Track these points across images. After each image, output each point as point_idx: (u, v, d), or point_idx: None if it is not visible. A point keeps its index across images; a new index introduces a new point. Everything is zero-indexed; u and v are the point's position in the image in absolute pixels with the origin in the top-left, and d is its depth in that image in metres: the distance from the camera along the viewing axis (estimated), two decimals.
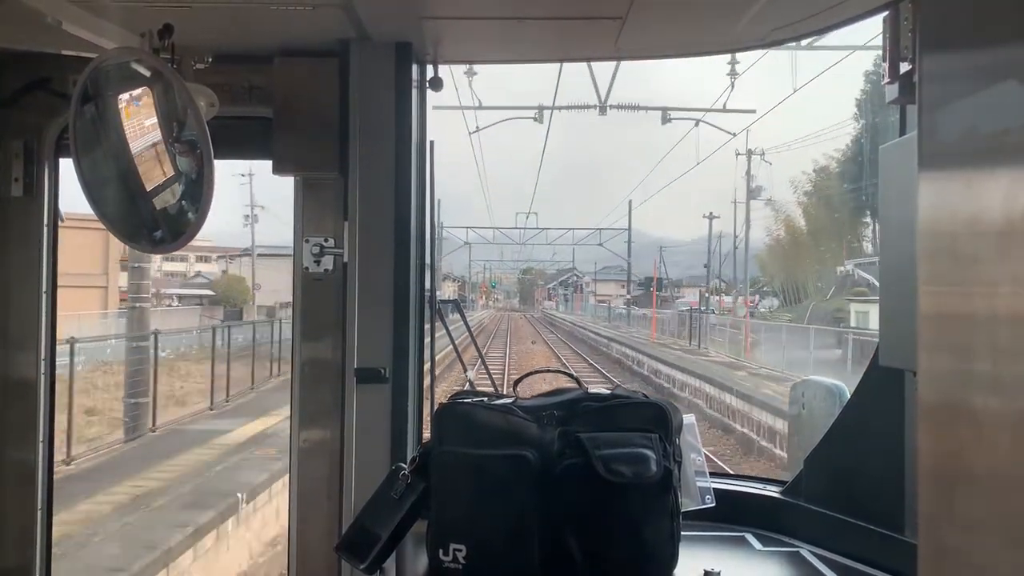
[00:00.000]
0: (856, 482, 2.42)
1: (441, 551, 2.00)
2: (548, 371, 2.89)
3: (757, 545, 2.46)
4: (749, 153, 50.33)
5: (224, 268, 75.95)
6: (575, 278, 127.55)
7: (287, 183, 2.80)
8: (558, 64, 16.98)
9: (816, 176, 65.10)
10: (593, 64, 20.88)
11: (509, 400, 2.16)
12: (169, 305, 60.50)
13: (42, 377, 2.84)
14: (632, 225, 65.48)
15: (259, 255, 62.60)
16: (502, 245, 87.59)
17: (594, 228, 76.82)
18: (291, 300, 2.81)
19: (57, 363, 3.01)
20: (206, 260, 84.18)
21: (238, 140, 2.78)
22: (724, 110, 32.00)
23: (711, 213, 58.60)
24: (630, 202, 68.02)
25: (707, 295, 61.69)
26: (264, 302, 60.48)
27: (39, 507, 2.83)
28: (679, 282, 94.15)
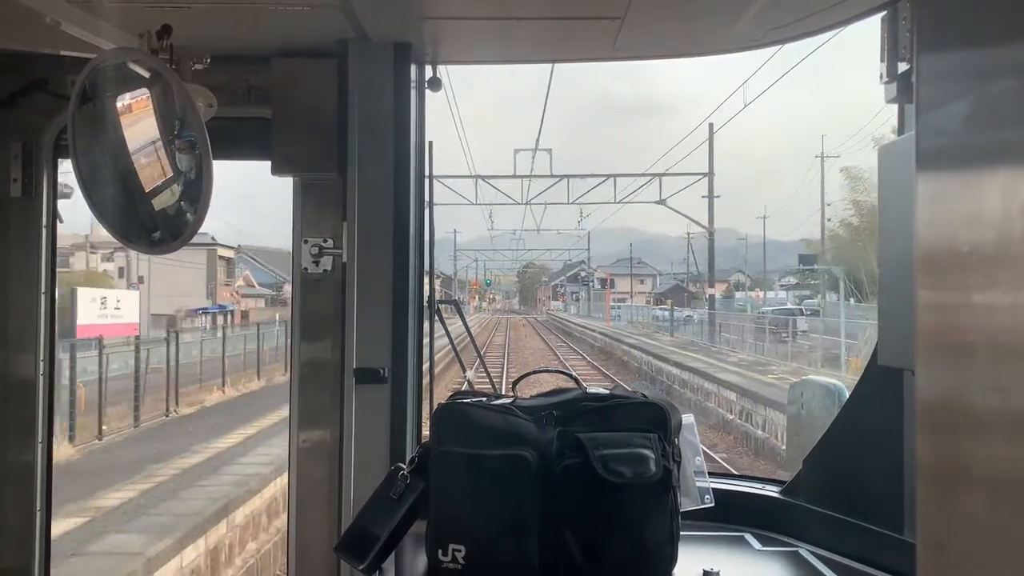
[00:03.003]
0: (855, 481, 2.42)
1: (440, 551, 2.00)
2: (548, 371, 2.90)
3: (756, 545, 2.47)
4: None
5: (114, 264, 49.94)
6: (586, 272, 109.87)
7: None
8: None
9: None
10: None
11: (508, 400, 2.16)
12: None
13: (41, 378, 2.84)
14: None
15: None
16: (493, 205, 49.35)
17: (650, 173, 41.50)
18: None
19: None
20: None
21: (237, 140, 2.78)
22: None
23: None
24: (711, 125, 41.27)
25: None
26: (158, 309, 43.62)
27: (38, 508, 2.83)
28: (700, 276, 76.55)
